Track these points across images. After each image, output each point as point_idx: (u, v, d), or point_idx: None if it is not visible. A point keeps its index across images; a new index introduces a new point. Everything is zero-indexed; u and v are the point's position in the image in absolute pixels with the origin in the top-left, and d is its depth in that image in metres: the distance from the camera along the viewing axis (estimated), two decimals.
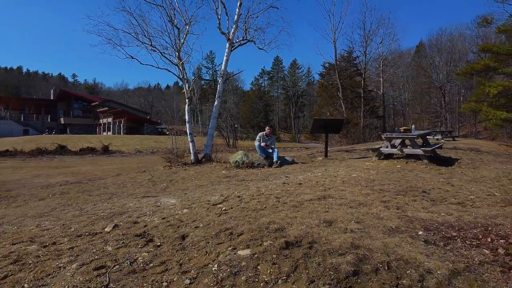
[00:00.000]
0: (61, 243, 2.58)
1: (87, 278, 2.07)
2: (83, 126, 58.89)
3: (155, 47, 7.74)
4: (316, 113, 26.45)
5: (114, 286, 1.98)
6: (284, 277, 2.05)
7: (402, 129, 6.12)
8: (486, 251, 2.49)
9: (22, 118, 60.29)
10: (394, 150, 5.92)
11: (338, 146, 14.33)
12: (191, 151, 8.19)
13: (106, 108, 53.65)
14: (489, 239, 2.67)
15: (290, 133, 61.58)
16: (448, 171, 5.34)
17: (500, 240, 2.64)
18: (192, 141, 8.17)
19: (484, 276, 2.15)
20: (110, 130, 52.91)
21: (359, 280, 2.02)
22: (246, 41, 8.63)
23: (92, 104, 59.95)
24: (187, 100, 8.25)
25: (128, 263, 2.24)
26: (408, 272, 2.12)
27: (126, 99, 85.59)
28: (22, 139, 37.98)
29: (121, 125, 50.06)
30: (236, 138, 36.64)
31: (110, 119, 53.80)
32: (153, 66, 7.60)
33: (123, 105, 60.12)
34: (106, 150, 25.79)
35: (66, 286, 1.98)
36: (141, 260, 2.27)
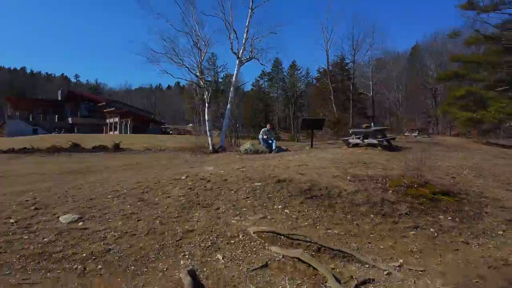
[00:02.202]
0: (163, 182, 4.99)
1: (185, 191, 4.48)
2: (90, 125, 61.06)
3: (185, 65, 10.25)
4: (312, 114, 28.91)
5: (199, 193, 4.39)
6: (277, 191, 4.46)
7: (364, 125, 8.49)
8: (379, 184, 4.90)
9: (31, 118, 62.59)
10: (358, 141, 8.30)
11: (326, 141, 16.79)
12: (209, 143, 10.66)
13: (113, 109, 55.87)
14: (384, 180, 5.08)
15: (290, 132, 63.85)
16: (393, 154, 7.74)
17: (389, 180, 5.04)
18: (211, 135, 10.65)
19: (371, 192, 4.58)
20: (116, 130, 55.11)
21: (311, 191, 4.43)
22: (251, 59, 11.13)
23: (99, 104, 62.12)
24: (207, 104, 10.77)
25: (203, 186, 4.65)
26: (335, 189, 4.53)
27: (129, 99, 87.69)
28: (34, 138, 40.15)
29: (128, 124, 52.30)
30: (238, 137, 39.02)
31: (116, 119, 56.00)
32: (182, 78, 9.98)
33: (128, 106, 62.32)
34: (117, 148, 28.05)
35: (178, 194, 4.39)
36: (208, 186, 4.68)
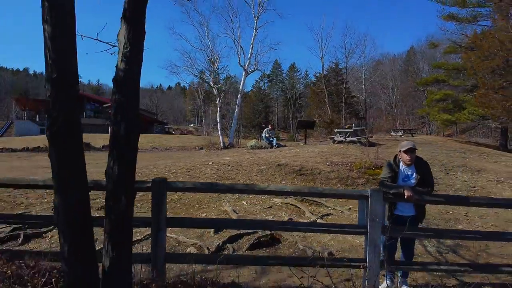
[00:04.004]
0: (198, 166, 7.11)
1: (215, 171, 6.61)
2: (95, 126, 62.58)
3: (201, 77, 12.41)
4: (308, 115, 31.12)
5: (224, 172, 6.52)
6: (277, 171, 6.59)
7: (346, 126, 10.59)
8: (348, 167, 7.04)
9: (37, 118, 64.51)
10: (342, 138, 10.40)
11: (319, 139, 18.98)
12: (221, 140, 12.83)
13: None
14: (351, 165, 7.20)
15: (289, 132, 65.84)
16: (367, 148, 9.84)
17: (354, 164, 7.16)
18: (222, 134, 12.84)
19: (341, 171, 6.71)
20: None
21: (300, 171, 6.56)
22: (255, 70, 13.33)
23: (104, 105, 63.87)
24: (218, 109, 12.97)
25: (225, 168, 6.78)
26: (316, 170, 6.67)
27: None
28: (44, 137, 41.98)
29: None
30: (239, 137, 41.07)
31: None
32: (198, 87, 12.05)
33: None
34: None
35: (211, 172, 6.51)
36: (229, 168, 6.81)
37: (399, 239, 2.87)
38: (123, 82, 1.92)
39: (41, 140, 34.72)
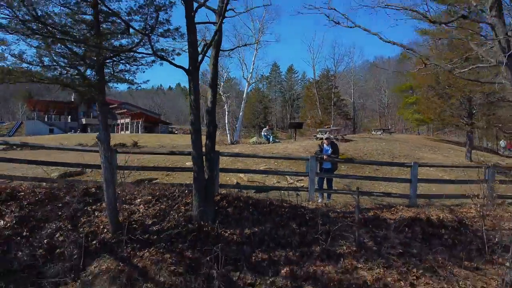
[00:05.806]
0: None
1: (231, 158, 9.88)
2: None
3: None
4: (303, 117, 34.46)
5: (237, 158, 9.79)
6: (276, 161, 9.88)
7: (326, 126, 13.82)
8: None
9: (46, 118, 67.37)
10: (323, 136, 13.66)
11: (309, 137, 22.36)
12: (228, 138, 16.12)
13: (125, 110, 60.81)
14: None
15: (287, 132, 69.01)
16: (341, 144, 13.09)
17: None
18: (229, 133, 16.13)
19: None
20: (128, 130, 59.82)
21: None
22: (256, 81, 16.56)
23: (111, 106, 66.70)
24: (227, 112, 16.26)
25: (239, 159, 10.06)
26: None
27: (133, 100, 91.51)
28: (56, 137, 44.12)
29: (139, 125, 57.25)
30: (239, 136, 44.24)
31: (128, 120, 60.79)
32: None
33: (137, 107, 67.10)
34: (135, 145, 33.08)
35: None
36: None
37: (325, 178, 6.15)
38: (210, 112, 5.18)
39: (53, 140, 37.54)
